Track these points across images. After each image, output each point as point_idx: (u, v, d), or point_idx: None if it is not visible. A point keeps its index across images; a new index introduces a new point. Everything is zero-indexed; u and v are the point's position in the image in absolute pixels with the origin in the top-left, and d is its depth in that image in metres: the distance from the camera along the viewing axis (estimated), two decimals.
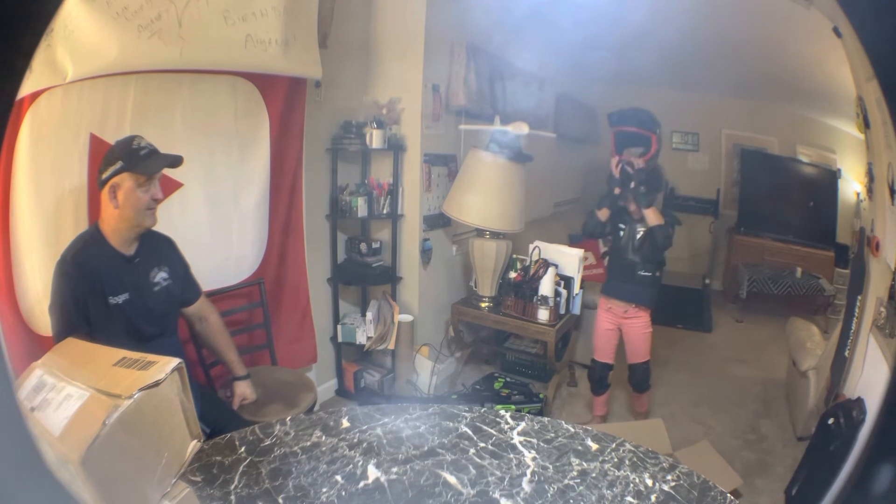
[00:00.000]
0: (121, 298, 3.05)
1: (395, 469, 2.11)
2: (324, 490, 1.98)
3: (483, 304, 5.13)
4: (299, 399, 3.60)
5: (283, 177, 4.44)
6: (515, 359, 5.31)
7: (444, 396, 4.88)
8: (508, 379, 4.94)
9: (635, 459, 2.25)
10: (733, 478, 3.42)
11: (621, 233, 4.37)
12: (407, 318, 4.91)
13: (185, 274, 3.44)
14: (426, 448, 2.25)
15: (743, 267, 4.71)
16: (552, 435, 2.40)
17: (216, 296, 3.94)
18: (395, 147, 4.92)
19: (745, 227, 4.57)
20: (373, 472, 2.09)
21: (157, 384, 1.58)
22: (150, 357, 1.71)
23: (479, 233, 5.07)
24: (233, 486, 1.97)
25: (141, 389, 1.53)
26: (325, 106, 4.68)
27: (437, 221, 5.32)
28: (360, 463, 2.13)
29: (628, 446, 2.32)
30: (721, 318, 4.98)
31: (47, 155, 3.30)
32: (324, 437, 2.28)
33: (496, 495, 2.02)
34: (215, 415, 3.13)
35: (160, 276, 3.23)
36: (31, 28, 1.14)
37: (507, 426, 2.45)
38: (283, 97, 4.31)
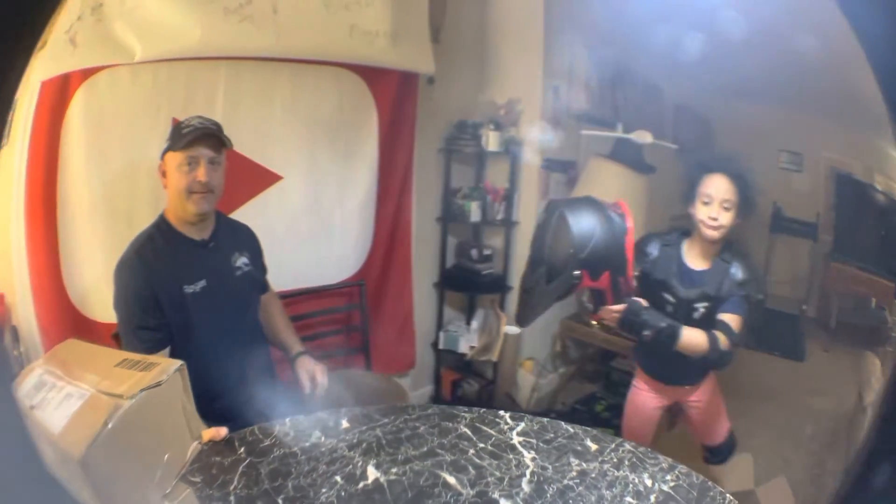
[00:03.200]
0: (198, 286, 2.97)
1: (394, 469, 2.16)
2: (323, 491, 2.03)
3: (595, 322, 4.94)
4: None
5: (392, 176, 4.42)
6: (620, 379, 5.01)
7: (541, 413, 4.73)
8: (611, 402, 4.83)
9: (634, 460, 2.27)
10: None
11: (669, 306, 3.36)
12: (514, 330, 4.82)
13: (263, 263, 3.37)
14: (425, 448, 2.29)
15: (834, 295, 4.54)
16: (551, 435, 2.43)
17: (314, 294, 3.97)
18: (513, 150, 4.86)
19: (839, 253, 4.43)
20: (372, 473, 2.14)
21: (158, 385, 1.65)
22: (152, 358, 1.75)
23: None
24: (232, 487, 2.04)
25: (143, 390, 1.59)
26: (438, 104, 4.62)
27: None
28: (360, 463, 2.18)
29: (627, 446, 2.35)
30: (811, 347, 4.83)
31: (114, 137, 3.30)
32: (323, 438, 2.34)
33: (496, 496, 2.05)
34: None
35: (241, 262, 3.17)
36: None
37: (506, 426, 2.48)
38: (393, 92, 4.27)
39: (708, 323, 3.20)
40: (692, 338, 3.11)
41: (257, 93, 3.73)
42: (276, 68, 3.75)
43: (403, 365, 4.74)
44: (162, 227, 2.98)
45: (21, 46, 1.14)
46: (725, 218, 3.15)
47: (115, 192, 3.36)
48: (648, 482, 2.11)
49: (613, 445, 2.34)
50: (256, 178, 3.79)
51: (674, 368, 3.41)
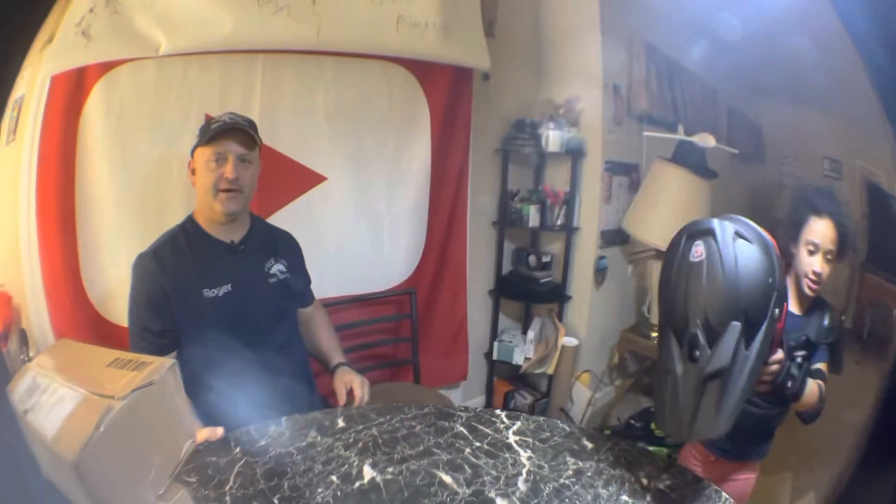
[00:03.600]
0: (220, 290, 2.89)
1: (390, 469, 2.19)
2: (319, 490, 2.05)
3: (654, 334, 4.87)
4: None
5: (445, 177, 4.34)
6: None
7: (596, 429, 4.63)
8: None
9: (630, 458, 2.29)
10: None
11: None
12: (572, 342, 4.75)
13: (305, 274, 3.29)
14: (422, 448, 2.32)
15: (867, 306, 4.39)
16: (548, 434, 2.44)
17: (360, 302, 3.90)
18: (574, 152, 4.76)
19: (871, 263, 4.29)
20: (368, 472, 2.16)
21: (150, 385, 1.67)
22: (144, 357, 1.75)
23: (659, 254, 4.67)
24: (228, 487, 2.06)
25: (134, 390, 1.60)
26: (495, 101, 4.56)
27: (615, 238, 5.10)
28: (356, 463, 2.21)
29: (623, 445, 2.37)
30: (845, 359, 4.68)
31: (139, 133, 3.24)
32: (319, 438, 2.36)
33: (492, 495, 2.07)
34: None
35: (276, 268, 3.08)
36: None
37: (502, 426, 2.50)
38: (446, 88, 4.19)
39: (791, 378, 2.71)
40: (811, 389, 2.77)
41: (298, 88, 3.67)
42: (319, 62, 3.68)
43: (455, 376, 4.69)
44: (187, 227, 2.94)
45: (16, 44, 1.15)
46: (827, 272, 2.91)
47: (144, 191, 3.32)
48: (644, 480, 2.13)
49: (610, 444, 2.36)
50: (298, 179, 3.73)
51: (747, 439, 2.98)
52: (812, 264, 2.84)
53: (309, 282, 3.32)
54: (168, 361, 1.74)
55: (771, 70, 4.54)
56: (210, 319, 2.84)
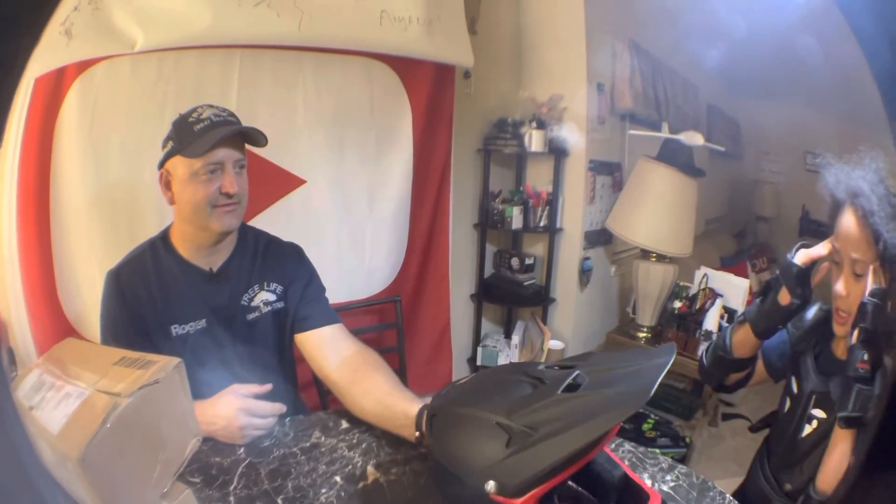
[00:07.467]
0: (191, 328, 2.59)
1: (394, 470, 2.24)
2: (323, 491, 2.11)
3: (641, 335, 5.06)
4: None
5: (428, 178, 4.37)
6: (662, 393, 5.10)
7: None
8: (657, 418, 4.82)
9: (634, 460, 2.34)
10: None
11: (788, 399, 2.48)
12: (558, 345, 4.69)
13: (313, 292, 2.84)
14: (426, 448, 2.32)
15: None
16: None
17: (342, 311, 3.73)
18: (557, 151, 4.83)
19: None
20: (372, 473, 2.22)
21: (156, 383, 1.71)
22: (150, 356, 1.78)
23: (645, 254, 4.98)
24: (232, 487, 2.12)
25: (141, 388, 1.64)
26: (476, 100, 4.62)
27: (598, 238, 5.24)
28: (360, 463, 2.26)
29: (627, 446, 2.43)
30: None
31: (112, 137, 3.20)
32: (323, 438, 2.41)
33: None
34: None
35: (261, 299, 2.71)
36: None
37: None
38: (429, 86, 4.21)
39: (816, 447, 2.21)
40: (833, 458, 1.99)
41: (277, 85, 3.66)
42: (299, 58, 3.70)
43: (440, 382, 4.56)
44: (158, 247, 2.63)
45: (21, 44, 1.17)
46: (855, 292, 2.04)
47: (115, 200, 3.25)
48: (648, 482, 2.13)
49: (613, 446, 2.39)
50: (276, 183, 3.72)
51: None
52: (836, 281, 2.11)
53: (316, 301, 2.85)
54: (174, 360, 1.78)
55: (751, 67, 4.63)
56: (185, 359, 2.13)
